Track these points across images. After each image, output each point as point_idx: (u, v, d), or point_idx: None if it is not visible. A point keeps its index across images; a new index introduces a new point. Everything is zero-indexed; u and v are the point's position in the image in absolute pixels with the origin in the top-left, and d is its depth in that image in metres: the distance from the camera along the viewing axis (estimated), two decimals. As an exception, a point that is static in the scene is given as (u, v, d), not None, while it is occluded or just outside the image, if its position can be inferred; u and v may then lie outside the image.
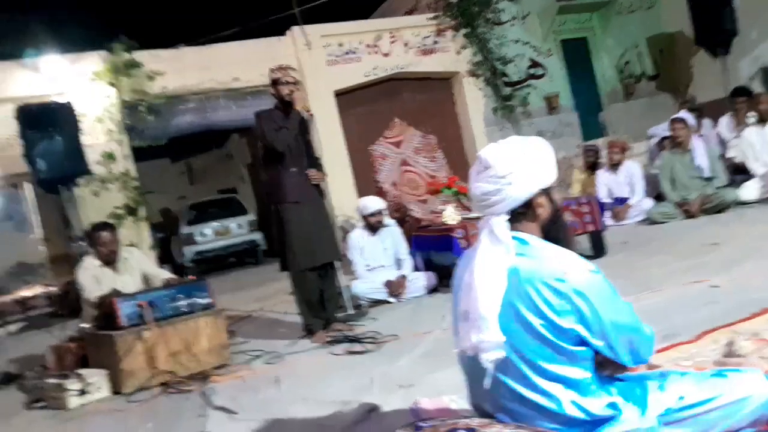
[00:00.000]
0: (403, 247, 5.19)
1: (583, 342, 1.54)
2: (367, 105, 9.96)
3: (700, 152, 6.06)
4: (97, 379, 3.65)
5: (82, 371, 3.73)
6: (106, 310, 3.81)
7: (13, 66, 7.97)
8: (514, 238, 1.59)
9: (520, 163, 1.59)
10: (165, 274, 4.64)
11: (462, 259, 1.80)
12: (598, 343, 1.54)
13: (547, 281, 1.51)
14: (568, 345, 1.53)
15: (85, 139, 7.20)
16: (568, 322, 1.51)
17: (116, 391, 3.67)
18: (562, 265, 1.53)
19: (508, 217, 1.61)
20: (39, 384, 3.86)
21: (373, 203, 5.15)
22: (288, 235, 4.12)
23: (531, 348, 1.54)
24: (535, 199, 1.62)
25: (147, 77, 8.50)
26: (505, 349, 1.54)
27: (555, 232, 1.66)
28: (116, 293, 4.02)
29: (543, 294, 1.51)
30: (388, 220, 5.24)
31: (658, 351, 2.50)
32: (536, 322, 1.52)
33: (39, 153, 6.37)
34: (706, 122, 7.76)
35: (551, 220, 1.66)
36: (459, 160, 10.19)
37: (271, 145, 4.09)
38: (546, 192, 1.64)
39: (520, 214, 1.63)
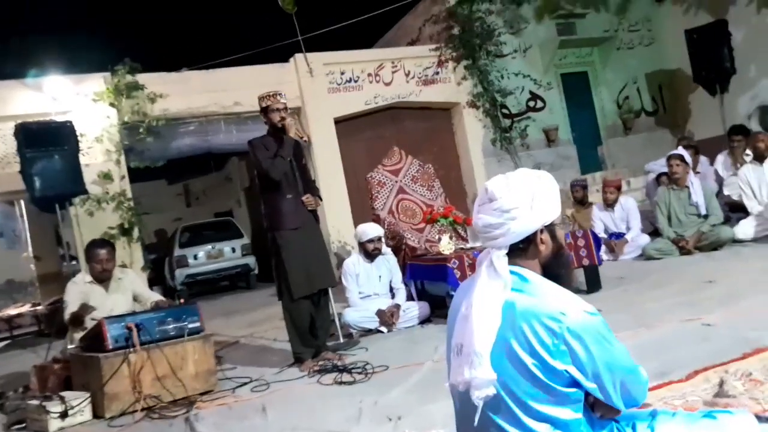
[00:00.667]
0: (398, 276, 5.15)
1: (575, 383, 1.51)
2: (367, 133, 10.04)
3: (697, 189, 6.07)
4: (79, 402, 3.57)
5: (65, 393, 3.66)
6: (95, 330, 3.76)
7: (16, 85, 8.05)
8: (512, 273, 1.57)
9: (526, 198, 1.57)
10: (155, 296, 4.62)
11: (459, 290, 1.78)
12: (590, 386, 1.50)
13: (543, 320, 1.48)
14: (560, 386, 1.50)
15: (83, 159, 7.22)
16: (561, 364, 1.47)
17: (99, 414, 3.59)
18: (559, 305, 1.50)
19: (507, 250, 1.59)
20: (21, 405, 3.79)
21: (372, 230, 5.12)
22: (285, 262, 4.09)
23: (521, 387, 1.51)
24: (538, 235, 1.61)
25: (149, 99, 8.57)
26: (495, 386, 1.52)
27: (556, 268, 1.64)
28: (86, 307, 3.99)
29: (537, 332, 1.48)
30: (385, 248, 5.22)
31: (650, 389, 2.47)
32: (528, 361, 1.49)
33: (36, 171, 6.36)
34: (704, 159, 7.80)
35: (553, 257, 1.64)
36: (457, 190, 10.25)
37: (266, 174, 4.09)
38: (549, 228, 1.63)
39: (521, 249, 1.61)
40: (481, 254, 1.68)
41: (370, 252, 5.05)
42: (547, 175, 1.66)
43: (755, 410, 1.98)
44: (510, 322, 1.52)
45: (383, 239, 5.18)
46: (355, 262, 5.13)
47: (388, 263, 5.16)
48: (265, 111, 4.19)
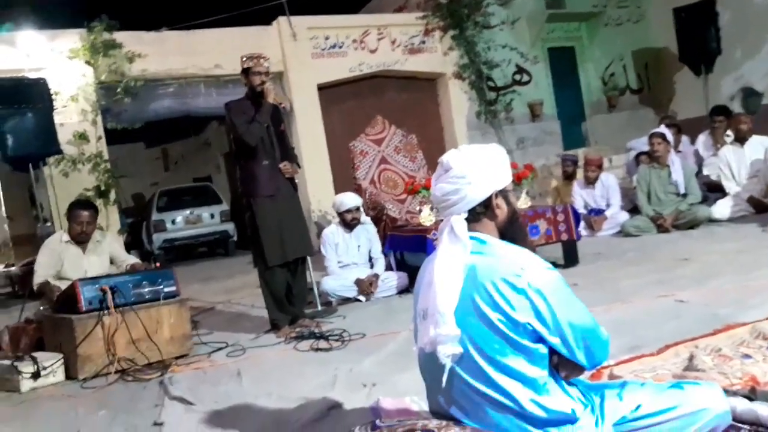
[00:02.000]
0: (377, 246, 5.15)
1: (540, 339, 1.56)
2: (350, 101, 9.92)
3: (677, 168, 6.12)
4: (52, 363, 3.54)
5: (38, 354, 3.62)
6: (68, 292, 3.71)
7: (-12, 38, 7.77)
8: (472, 237, 1.65)
9: (478, 164, 1.67)
10: (132, 260, 4.57)
11: (425, 261, 1.83)
12: (554, 341, 1.56)
13: (505, 277, 1.55)
14: (525, 340, 1.55)
15: (58, 118, 7.04)
16: (524, 317, 1.53)
17: (72, 376, 3.57)
18: (519, 262, 1.57)
19: (466, 215, 1.67)
20: (-8, 365, 3.73)
21: (350, 200, 5.08)
22: (259, 230, 4.05)
23: (489, 342, 1.56)
24: (493, 199, 1.69)
25: (126, 59, 8.35)
26: (463, 344, 1.57)
27: (512, 233, 1.72)
28: (51, 289, 3.99)
29: (501, 290, 1.54)
30: (364, 218, 5.19)
31: (621, 362, 2.52)
32: (494, 317, 1.54)
33: (8, 129, 6.21)
34: (685, 139, 7.85)
35: (508, 221, 1.72)
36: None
37: (241, 139, 4.01)
38: (503, 194, 1.71)
39: (479, 214, 1.69)
40: (441, 224, 1.74)
41: (348, 222, 5.03)
42: (497, 145, 1.78)
43: (723, 384, 2.02)
44: (473, 282, 1.59)
45: (362, 209, 5.16)
46: (333, 232, 5.10)
47: (368, 233, 5.15)
48: (246, 72, 4.11)
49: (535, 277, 1.54)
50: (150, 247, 11.31)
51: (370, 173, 6.36)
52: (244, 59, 4.13)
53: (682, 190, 6.09)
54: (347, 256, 5.08)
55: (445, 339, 1.56)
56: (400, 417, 2.09)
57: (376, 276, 4.95)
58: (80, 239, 4.31)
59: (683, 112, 11.11)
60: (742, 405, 1.84)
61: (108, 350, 3.56)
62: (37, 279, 4.18)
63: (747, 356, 2.39)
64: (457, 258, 1.61)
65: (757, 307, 3.00)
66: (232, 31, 9.08)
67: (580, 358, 1.59)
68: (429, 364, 1.68)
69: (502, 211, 1.71)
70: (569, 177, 7.52)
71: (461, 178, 1.66)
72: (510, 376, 1.56)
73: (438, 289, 1.59)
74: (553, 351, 1.60)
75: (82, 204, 4.45)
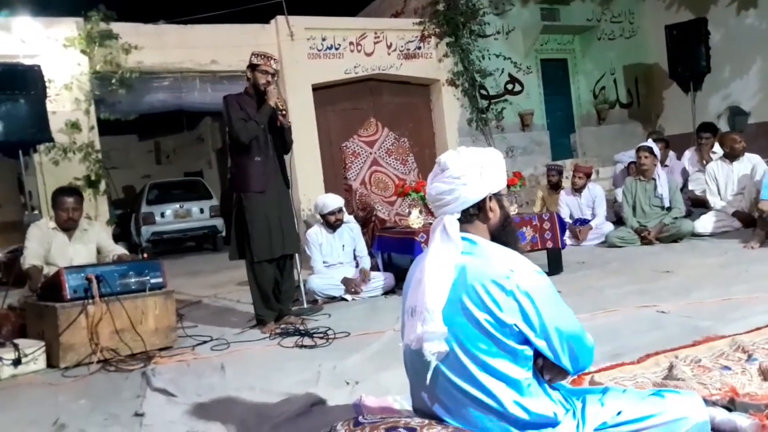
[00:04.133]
0: (361, 245, 5.16)
1: (525, 341, 1.57)
2: (344, 102, 9.94)
3: (663, 182, 6.21)
4: (33, 350, 3.52)
5: (19, 341, 3.60)
6: (53, 280, 3.69)
7: (-18, 23, 7.71)
8: (463, 238, 1.66)
9: (474, 166, 1.68)
10: (119, 250, 4.55)
11: (415, 260, 1.84)
12: (539, 343, 1.57)
13: (494, 278, 1.55)
14: (511, 341, 1.56)
15: (51, 106, 6.99)
16: (511, 318, 1.54)
17: (53, 364, 3.55)
18: (508, 264, 1.58)
19: (458, 215, 1.68)
20: (-27, 351, 3.70)
21: (332, 201, 5.07)
22: (249, 225, 4.05)
23: (474, 342, 1.57)
24: (487, 202, 1.70)
25: (123, 50, 8.31)
26: (449, 342, 1.58)
27: (504, 237, 1.73)
28: (37, 276, 3.96)
29: (489, 290, 1.55)
30: (347, 217, 5.20)
31: (602, 370, 2.55)
32: (481, 317, 1.55)
33: (0, 114, 6.15)
34: (672, 154, 7.96)
35: (501, 224, 1.73)
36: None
37: (236, 135, 4.01)
38: (497, 197, 1.73)
39: (472, 216, 1.70)
40: (434, 223, 1.75)
41: (332, 223, 5.04)
42: (495, 150, 1.78)
43: (703, 394, 2.06)
44: (462, 282, 1.59)
45: (344, 209, 5.16)
46: (317, 233, 5.11)
47: (352, 232, 5.16)
48: (253, 68, 4.08)
49: (523, 279, 1.55)
50: (138, 239, 11.25)
51: (361, 174, 6.38)
52: (254, 56, 4.11)
53: (666, 204, 6.18)
54: (332, 257, 5.10)
55: (432, 336, 1.56)
56: (383, 414, 2.11)
57: (364, 272, 4.95)
58: (67, 226, 4.29)
59: (671, 128, 11.26)
60: (721, 415, 1.87)
61: (91, 339, 3.54)
62: (28, 261, 4.14)
63: (726, 368, 2.43)
64: (447, 257, 1.62)
65: (737, 320, 3.05)
66: (230, 28, 9.07)
67: (565, 362, 1.60)
68: (414, 361, 1.68)
69: (495, 214, 1.72)
70: (554, 186, 7.60)
71: (457, 178, 1.67)
72: (494, 376, 1.57)
73: (427, 287, 1.59)
74: (538, 354, 1.61)
75: (66, 191, 4.42)
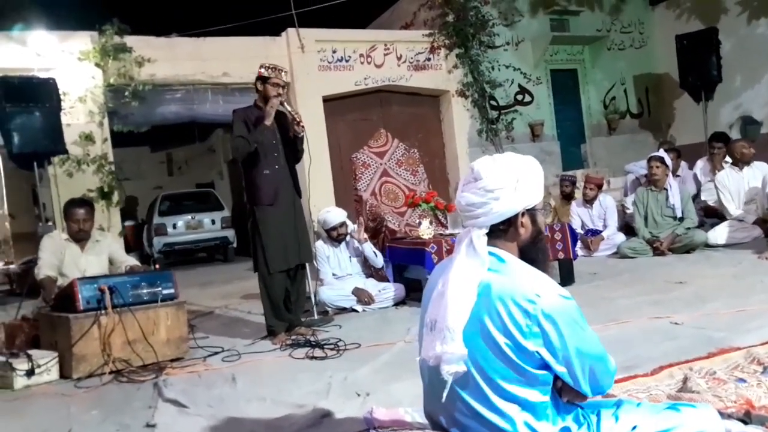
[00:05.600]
0: (368, 247, 5.14)
1: (545, 366, 1.52)
2: (354, 114, 9.99)
3: (675, 192, 6.16)
4: (46, 361, 3.54)
5: (33, 352, 3.62)
6: (66, 291, 3.72)
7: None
8: (490, 254, 1.58)
9: (510, 179, 1.59)
10: (131, 261, 4.58)
11: (436, 268, 1.80)
12: (560, 369, 1.52)
13: (518, 300, 1.49)
14: (530, 367, 1.51)
15: (65, 119, 7.09)
16: (533, 345, 1.49)
17: (66, 375, 3.57)
18: (534, 287, 1.51)
19: (487, 230, 1.61)
20: (-13, 361, 3.73)
21: (334, 217, 5.06)
22: (261, 236, 4.07)
23: (492, 365, 1.53)
24: (519, 217, 1.62)
25: (136, 62, 8.42)
26: (467, 363, 1.53)
27: (533, 254, 1.64)
28: (51, 287, 3.98)
29: (512, 313, 1.49)
30: (350, 227, 5.19)
31: (616, 381, 2.52)
32: (501, 341, 1.50)
33: (16, 127, 6.26)
34: (684, 164, 7.91)
35: (532, 241, 1.65)
36: (440, 178, 10.28)
37: (233, 151, 4.04)
38: (531, 212, 1.64)
39: (501, 231, 1.62)
40: (461, 233, 1.68)
41: (335, 238, 5.06)
42: (534, 160, 1.67)
43: (718, 407, 2.03)
44: (485, 301, 1.53)
45: (347, 222, 5.16)
46: (323, 246, 5.13)
47: (355, 242, 5.15)
48: (263, 80, 4.11)
49: (549, 304, 1.48)
50: (150, 250, 11.31)
51: (371, 185, 6.38)
52: (264, 68, 4.13)
53: (679, 214, 6.13)
54: (340, 269, 5.11)
55: (452, 358, 1.51)
56: (394, 427, 2.10)
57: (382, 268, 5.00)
58: (79, 237, 4.32)
59: (682, 137, 11.19)
60: (737, 428, 1.85)
61: (103, 350, 3.55)
62: (42, 272, 4.17)
63: (741, 380, 2.40)
64: (473, 273, 1.55)
65: (752, 332, 3.02)
66: (241, 41, 9.17)
67: (585, 388, 1.56)
68: (431, 375, 1.66)
69: (526, 230, 1.63)
70: (567, 197, 7.57)
71: (490, 192, 1.58)
72: (510, 400, 1.53)
73: (450, 303, 1.53)
74: (557, 377, 1.57)
75: (77, 202, 4.45)
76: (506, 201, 1.58)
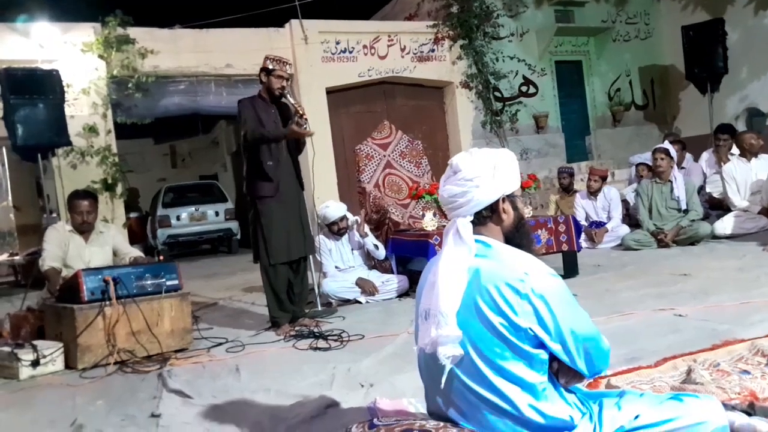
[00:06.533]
0: (370, 239, 5.14)
1: (541, 345, 1.56)
2: (358, 105, 9.97)
3: (680, 184, 6.14)
4: (51, 351, 3.56)
5: (38, 342, 3.64)
6: (71, 282, 3.74)
7: (2, 28, 7.84)
8: (477, 241, 1.64)
9: (487, 168, 1.66)
10: (135, 253, 4.59)
11: (429, 263, 1.82)
12: (555, 347, 1.55)
13: (509, 281, 1.53)
14: (526, 345, 1.54)
15: (69, 110, 7.10)
16: (525, 321, 1.53)
17: (71, 365, 3.59)
18: (522, 267, 1.56)
19: (471, 218, 1.66)
20: (-8, 351, 3.75)
21: (334, 212, 5.06)
22: (264, 228, 4.07)
23: (489, 345, 1.55)
24: (500, 204, 1.68)
25: (139, 54, 8.42)
26: (464, 346, 1.56)
27: (518, 239, 1.70)
28: (56, 278, 3.98)
29: (504, 293, 1.53)
30: (351, 219, 5.19)
31: (619, 373, 2.52)
32: (496, 321, 1.53)
33: (19, 118, 6.26)
34: (689, 156, 7.87)
35: (514, 226, 1.71)
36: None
37: (249, 133, 4.00)
38: (510, 199, 1.71)
39: (485, 218, 1.69)
40: (447, 225, 1.73)
41: (336, 232, 5.06)
42: (509, 151, 1.76)
43: (722, 398, 2.03)
44: (476, 285, 1.57)
45: (347, 215, 5.16)
46: (325, 240, 5.13)
47: (356, 235, 5.15)
48: (268, 72, 4.09)
49: (538, 282, 1.53)
50: (154, 242, 11.35)
51: (374, 177, 6.38)
52: (269, 60, 4.12)
53: (683, 206, 6.10)
54: (342, 262, 5.12)
55: (446, 340, 1.55)
56: (397, 417, 2.10)
57: (387, 259, 5.01)
58: (82, 229, 4.34)
59: (687, 129, 11.14)
60: (741, 419, 1.85)
61: (108, 341, 3.58)
62: (47, 263, 4.18)
63: (745, 372, 2.40)
64: (461, 260, 1.60)
65: (756, 324, 3.01)
66: (244, 32, 9.15)
67: (581, 366, 1.58)
68: (429, 364, 1.68)
69: (508, 216, 1.70)
70: (566, 189, 7.58)
71: (469, 180, 1.65)
72: (509, 380, 1.55)
73: (441, 290, 1.57)
74: (553, 357, 1.59)
75: (80, 194, 4.45)
76: (486, 188, 1.65)
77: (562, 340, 1.55)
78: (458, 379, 1.60)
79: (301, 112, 4.08)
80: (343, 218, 5.06)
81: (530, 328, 1.53)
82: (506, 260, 1.59)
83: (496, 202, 1.67)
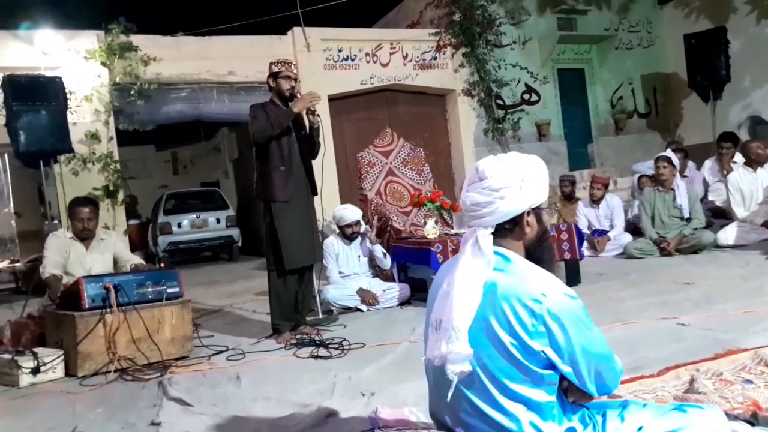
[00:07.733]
0: (377, 248, 5.13)
1: (551, 366, 1.52)
2: (360, 113, 9.99)
3: (682, 192, 6.12)
4: (52, 359, 3.55)
5: (38, 349, 3.63)
6: (71, 289, 3.73)
7: (6, 36, 7.89)
8: (496, 253, 1.58)
9: (515, 179, 1.58)
10: (136, 259, 4.59)
11: (442, 268, 1.79)
12: (566, 369, 1.51)
13: (524, 300, 1.48)
14: (536, 367, 1.51)
15: (71, 117, 7.12)
16: (538, 344, 1.48)
17: (71, 373, 3.57)
18: (540, 286, 1.50)
19: (493, 230, 1.60)
20: (-8, 358, 3.74)
21: (350, 214, 5.06)
22: (278, 233, 4.01)
23: (498, 365, 1.52)
24: (524, 216, 1.61)
25: (142, 61, 8.45)
26: (472, 363, 1.53)
27: (539, 253, 1.64)
28: (56, 285, 3.97)
29: (518, 312, 1.49)
30: (363, 227, 5.19)
31: (622, 382, 2.50)
32: (507, 340, 1.49)
33: (22, 125, 6.27)
34: (691, 164, 7.86)
35: (537, 240, 1.64)
36: (446, 177, 10.27)
37: (256, 134, 3.98)
38: (536, 211, 1.63)
39: (507, 230, 1.62)
40: (466, 233, 1.67)
41: (348, 236, 5.05)
42: (538, 159, 1.66)
43: (725, 408, 2.01)
44: (491, 300, 1.53)
45: (361, 221, 5.16)
46: (333, 243, 5.11)
47: (367, 242, 5.14)
48: (275, 76, 4.09)
49: (555, 304, 1.48)
50: (155, 249, 11.34)
51: (376, 184, 6.38)
52: (273, 64, 4.12)
53: (686, 215, 6.09)
54: (348, 267, 5.10)
55: (457, 358, 1.51)
56: (398, 426, 2.09)
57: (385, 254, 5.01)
58: (83, 236, 4.33)
59: (690, 137, 11.14)
60: (744, 430, 1.84)
61: (108, 348, 3.56)
62: (48, 270, 4.18)
63: (748, 381, 2.38)
64: (478, 273, 1.54)
65: (759, 333, 2.99)
66: (247, 39, 9.18)
67: (591, 388, 1.55)
68: (436, 375, 1.65)
69: (532, 229, 1.62)
70: (568, 197, 7.57)
71: (495, 191, 1.57)
72: (515, 399, 1.52)
73: (455, 303, 1.53)
74: (563, 377, 1.56)
75: (81, 201, 4.45)
76: (511, 200, 1.57)
77: (573, 363, 1.51)
78: (463, 394, 1.58)
79: (312, 109, 4.09)
80: (358, 222, 5.06)
81: (543, 351, 1.49)
82: (525, 277, 1.53)
83: (521, 215, 1.60)
